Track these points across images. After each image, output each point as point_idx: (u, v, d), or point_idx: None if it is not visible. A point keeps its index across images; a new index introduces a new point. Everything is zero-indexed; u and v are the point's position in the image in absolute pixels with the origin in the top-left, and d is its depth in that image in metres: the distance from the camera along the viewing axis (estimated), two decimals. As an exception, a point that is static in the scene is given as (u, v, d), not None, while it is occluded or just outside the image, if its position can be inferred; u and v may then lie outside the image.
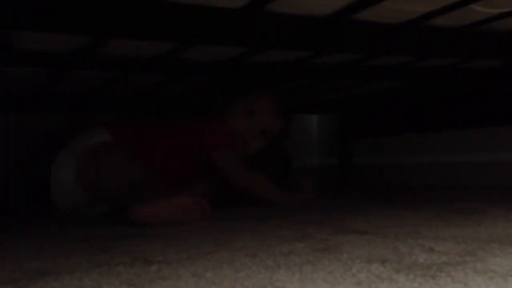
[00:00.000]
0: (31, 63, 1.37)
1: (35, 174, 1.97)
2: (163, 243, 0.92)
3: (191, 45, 1.31)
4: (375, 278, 0.59)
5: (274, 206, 1.53)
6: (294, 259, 0.72)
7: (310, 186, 1.69)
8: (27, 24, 1.00)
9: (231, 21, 1.11)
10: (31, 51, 1.31)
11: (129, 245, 0.91)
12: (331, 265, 0.67)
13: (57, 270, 0.71)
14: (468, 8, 1.17)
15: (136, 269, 0.70)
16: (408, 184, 2.30)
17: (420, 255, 0.71)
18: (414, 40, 1.29)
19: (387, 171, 2.48)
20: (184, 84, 1.87)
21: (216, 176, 1.66)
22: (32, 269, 0.72)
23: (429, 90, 2.21)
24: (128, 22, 1.04)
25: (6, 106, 2.02)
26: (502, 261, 0.65)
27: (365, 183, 2.57)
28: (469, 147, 2.08)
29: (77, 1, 0.99)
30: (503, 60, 1.61)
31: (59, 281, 0.65)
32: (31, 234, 1.11)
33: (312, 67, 1.64)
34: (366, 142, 2.63)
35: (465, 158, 2.09)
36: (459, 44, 1.36)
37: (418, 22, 1.23)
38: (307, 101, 2.53)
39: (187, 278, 0.63)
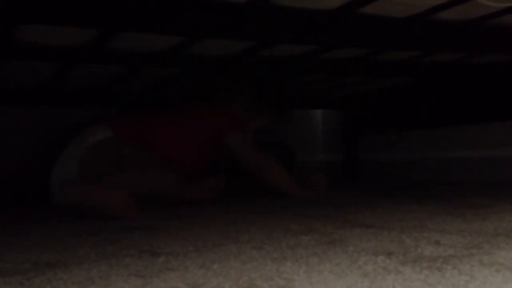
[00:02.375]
0: (40, 57, 1.37)
1: (42, 167, 1.99)
2: (170, 236, 0.92)
3: (199, 39, 1.31)
4: (382, 270, 0.60)
5: (280, 200, 1.54)
6: (300, 252, 0.72)
7: (323, 183, 1.69)
8: (36, 17, 1.00)
9: (239, 15, 1.11)
10: (40, 45, 1.31)
11: (136, 237, 0.92)
12: (337, 257, 0.68)
13: (65, 262, 0.72)
14: (475, 2, 1.16)
15: (144, 261, 0.70)
16: (414, 180, 2.30)
17: (426, 248, 0.71)
18: (421, 34, 1.29)
19: (392, 167, 2.48)
20: (192, 79, 1.87)
21: (225, 164, 1.67)
22: (41, 261, 0.73)
23: (435, 86, 2.21)
24: (137, 16, 1.05)
25: (15, 100, 2.03)
26: (508, 254, 0.65)
27: (371, 178, 2.57)
28: (475, 142, 2.07)
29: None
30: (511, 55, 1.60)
31: (67, 272, 0.65)
32: (39, 227, 1.12)
33: (318, 62, 1.64)
34: (371, 138, 2.62)
35: (470, 153, 2.09)
36: (466, 38, 1.36)
37: (424, 16, 1.23)
38: (313, 97, 2.53)
39: (194, 270, 0.64)
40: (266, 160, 1.60)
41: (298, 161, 2.02)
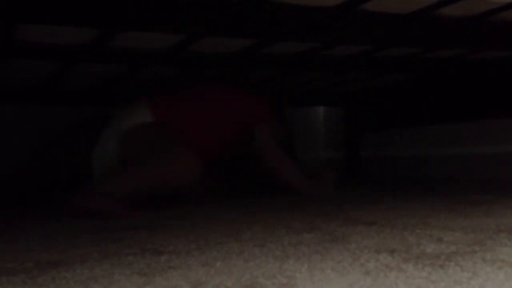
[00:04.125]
0: (40, 56, 1.37)
1: (42, 166, 1.99)
2: (172, 234, 0.92)
3: (201, 37, 1.31)
4: (384, 267, 0.60)
5: (281, 198, 1.54)
6: (303, 250, 0.72)
7: (332, 178, 1.69)
8: (36, 17, 1.00)
9: (239, 13, 1.11)
10: (40, 44, 1.32)
11: (138, 236, 0.92)
12: (339, 255, 0.68)
13: (68, 261, 0.72)
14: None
15: (147, 259, 0.70)
16: (416, 177, 2.29)
17: (429, 245, 0.71)
18: (422, 30, 1.28)
19: (394, 164, 2.47)
20: (193, 78, 1.87)
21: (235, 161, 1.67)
22: (44, 260, 0.73)
23: (437, 83, 2.20)
24: (137, 15, 1.05)
25: (14, 99, 2.03)
26: (510, 250, 0.65)
27: (372, 175, 2.56)
28: (478, 139, 2.07)
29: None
30: (512, 50, 1.60)
31: (70, 271, 0.65)
32: (42, 226, 1.12)
33: (319, 60, 1.64)
34: (372, 135, 2.62)
35: (473, 150, 2.08)
36: (468, 34, 1.35)
37: (426, 12, 1.22)
38: (314, 94, 2.53)
39: (197, 268, 0.64)
40: (285, 156, 1.59)
41: (299, 158, 2.01)
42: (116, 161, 1.42)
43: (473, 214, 0.99)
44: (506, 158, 1.94)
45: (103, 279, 0.60)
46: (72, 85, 1.95)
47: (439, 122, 2.23)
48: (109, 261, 0.70)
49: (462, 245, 0.70)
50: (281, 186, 1.62)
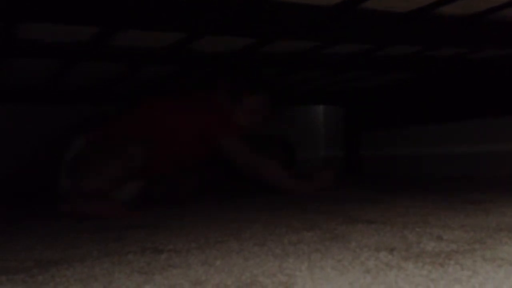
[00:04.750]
0: (40, 54, 1.37)
1: (42, 165, 1.99)
2: (172, 233, 0.92)
3: (200, 36, 1.31)
4: (384, 266, 0.60)
5: (282, 197, 1.54)
6: (302, 248, 0.72)
7: (329, 175, 1.69)
8: (37, 16, 1.00)
9: (239, 11, 1.11)
10: (40, 43, 1.32)
11: (138, 235, 0.92)
12: (339, 253, 0.68)
13: (68, 259, 0.72)
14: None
15: (147, 258, 0.70)
16: (416, 175, 2.29)
17: (428, 243, 0.71)
18: (423, 29, 1.28)
19: (394, 163, 2.47)
20: (191, 77, 1.87)
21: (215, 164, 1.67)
22: (44, 259, 0.73)
23: (437, 82, 2.20)
24: (138, 14, 1.05)
25: (14, 98, 2.03)
26: (510, 249, 0.65)
27: (372, 174, 2.56)
28: (478, 138, 2.07)
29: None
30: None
31: (70, 269, 0.66)
32: (40, 226, 1.12)
33: (319, 58, 1.64)
34: (372, 134, 2.62)
35: (473, 149, 2.08)
36: (468, 33, 1.35)
37: (426, 11, 1.22)
38: (314, 93, 2.52)
39: (197, 267, 0.64)
40: (262, 159, 1.58)
41: (298, 156, 2.00)
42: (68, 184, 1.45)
43: (473, 213, 0.99)
44: (506, 157, 1.94)
45: (103, 278, 0.60)
46: (72, 84, 1.95)
47: (439, 121, 2.23)
48: (109, 260, 0.70)
49: (462, 244, 0.70)
50: (268, 188, 1.61)
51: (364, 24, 1.22)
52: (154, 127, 1.51)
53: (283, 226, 0.94)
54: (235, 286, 0.54)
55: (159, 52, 1.46)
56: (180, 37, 1.32)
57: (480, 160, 2.05)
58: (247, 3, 1.10)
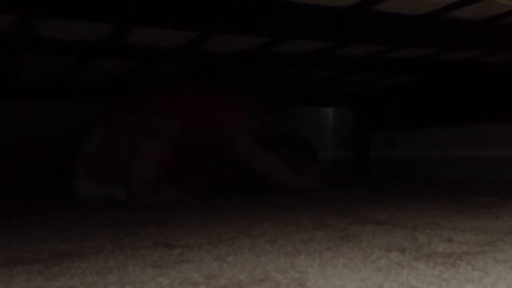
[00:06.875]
0: (55, 52, 1.39)
1: (54, 160, 2.01)
2: (184, 229, 0.93)
3: (213, 35, 1.32)
4: (395, 265, 0.60)
5: (290, 196, 1.54)
6: (313, 246, 0.73)
7: (314, 172, 1.70)
8: (51, 11, 1.01)
9: (252, 11, 1.11)
10: (55, 40, 1.33)
11: (150, 230, 0.93)
12: (350, 252, 0.68)
13: (82, 252, 0.73)
14: (490, 0, 1.16)
15: (160, 252, 0.71)
16: (425, 178, 2.29)
17: (439, 244, 0.72)
18: (435, 32, 1.28)
19: (403, 165, 2.47)
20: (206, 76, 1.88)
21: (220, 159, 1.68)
22: (59, 251, 0.75)
23: (447, 84, 2.20)
24: (152, 11, 1.06)
25: (27, 94, 2.05)
26: (522, 251, 0.65)
27: (381, 176, 2.56)
28: (488, 141, 2.06)
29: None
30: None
31: (85, 262, 0.67)
32: (56, 218, 1.13)
33: (330, 59, 1.64)
34: (381, 136, 2.62)
35: (483, 152, 2.08)
36: (480, 37, 1.35)
37: (439, 14, 1.23)
38: (323, 94, 2.53)
39: (209, 262, 0.65)
40: (268, 156, 1.57)
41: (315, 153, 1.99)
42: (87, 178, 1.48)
43: (483, 216, 0.99)
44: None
45: (118, 271, 0.61)
46: (84, 81, 1.96)
47: (448, 124, 2.22)
48: (123, 253, 0.71)
49: (472, 246, 0.70)
50: (268, 183, 1.61)
51: (377, 25, 1.22)
52: (178, 114, 1.49)
53: (293, 224, 0.95)
54: (248, 281, 0.55)
55: (171, 51, 1.47)
56: (193, 36, 1.33)
57: (491, 163, 2.04)
58: (260, 3, 1.11)
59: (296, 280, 0.55)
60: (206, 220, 1.06)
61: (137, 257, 0.69)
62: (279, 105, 1.84)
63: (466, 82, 2.12)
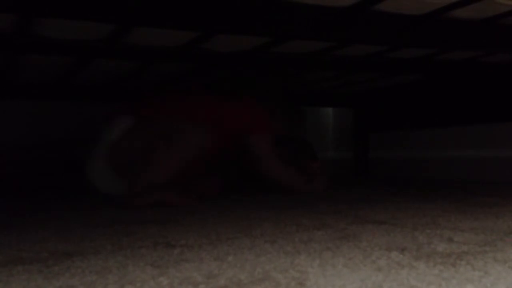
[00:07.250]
0: (56, 52, 1.39)
1: (56, 160, 2.01)
2: (183, 229, 0.93)
3: (214, 34, 1.32)
4: (395, 264, 0.60)
5: (291, 197, 1.54)
6: (313, 246, 0.73)
7: (323, 177, 1.71)
8: (51, 11, 1.01)
9: (253, 10, 1.11)
10: (55, 40, 1.33)
11: (150, 230, 0.93)
12: (350, 252, 0.68)
13: (82, 252, 0.73)
14: (491, 0, 1.16)
15: (159, 252, 0.71)
16: (425, 178, 2.29)
17: (439, 244, 0.72)
18: (435, 32, 1.28)
19: (403, 165, 2.47)
20: (207, 76, 1.88)
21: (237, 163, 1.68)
22: (59, 251, 0.74)
23: (447, 84, 2.20)
24: (152, 11, 1.06)
25: (28, 94, 2.05)
26: (522, 251, 0.65)
27: (381, 176, 2.56)
28: (488, 141, 2.06)
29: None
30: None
31: (85, 261, 0.67)
32: (56, 219, 1.13)
33: (331, 59, 1.64)
34: (381, 136, 2.62)
35: (483, 152, 2.08)
36: (480, 37, 1.35)
37: (439, 14, 1.23)
38: (324, 94, 2.53)
39: (209, 261, 0.65)
40: (287, 169, 1.60)
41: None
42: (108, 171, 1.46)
43: (483, 216, 0.99)
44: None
45: (118, 270, 0.61)
46: (84, 81, 1.96)
47: (448, 124, 2.22)
48: (123, 253, 0.71)
49: (472, 245, 0.70)
50: (280, 189, 1.63)
51: (377, 25, 1.22)
52: (203, 116, 1.50)
53: (293, 224, 0.95)
54: (248, 280, 0.55)
55: (172, 51, 1.47)
56: (194, 36, 1.33)
57: (490, 164, 2.04)
58: (260, 3, 1.11)
59: (296, 280, 0.55)
60: (206, 220, 1.06)
61: (136, 256, 0.69)
62: (293, 107, 1.85)
63: (466, 82, 2.12)
